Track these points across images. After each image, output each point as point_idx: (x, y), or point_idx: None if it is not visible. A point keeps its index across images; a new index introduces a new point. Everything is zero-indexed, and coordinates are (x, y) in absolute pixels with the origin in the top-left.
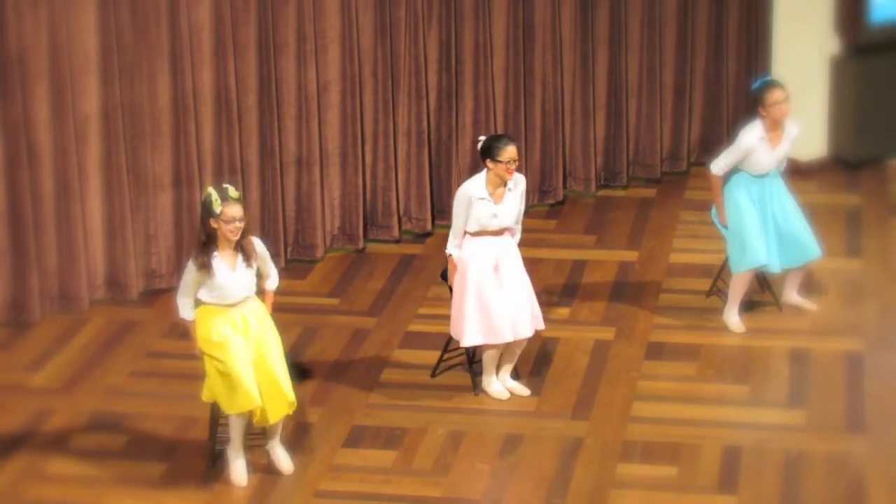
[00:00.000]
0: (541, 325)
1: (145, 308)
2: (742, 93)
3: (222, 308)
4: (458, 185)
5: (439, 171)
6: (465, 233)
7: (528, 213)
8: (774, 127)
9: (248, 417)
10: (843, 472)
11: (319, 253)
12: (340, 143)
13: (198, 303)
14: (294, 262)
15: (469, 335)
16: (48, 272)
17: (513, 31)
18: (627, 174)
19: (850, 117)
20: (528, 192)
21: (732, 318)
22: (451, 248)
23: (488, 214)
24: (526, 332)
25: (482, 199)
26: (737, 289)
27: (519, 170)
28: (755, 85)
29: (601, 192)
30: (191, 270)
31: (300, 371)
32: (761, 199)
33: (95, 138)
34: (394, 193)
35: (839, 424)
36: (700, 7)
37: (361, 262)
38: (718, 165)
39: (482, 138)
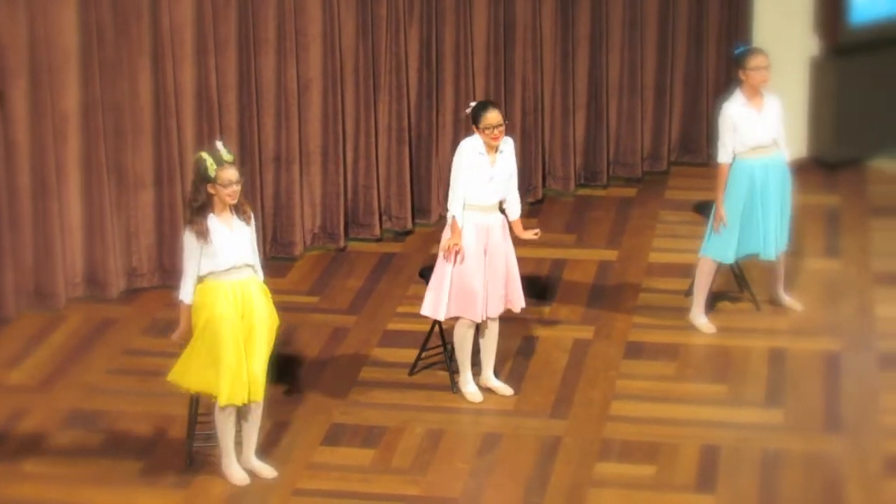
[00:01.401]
0: (522, 304)
1: (124, 306)
2: (722, 93)
3: (220, 282)
4: (439, 183)
5: (419, 169)
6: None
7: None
8: (754, 93)
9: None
10: (820, 470)
11: (298, 251)
12: (321, 141)
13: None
14: (273, 260)
15: (443, 308)
16: (24, 269)
17: (493, 29)
18: (607, 173)
19: (829, 118)
20: None
21: (699, 318)
22: (454, 209)
23: (485, 177)
24: (520, 303)
25: (481, 154)
26: (701, 281)
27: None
28: (738, 49)
29: (581, 192)
30: (190, 240)
31: (288, 361)
32: (763, 189)
33: (75, 135)
34: (375, 192)
35: (817, 424)
36: (680, 7)
37: (341, 261)
38: (722, 153)
39: (472, 104)
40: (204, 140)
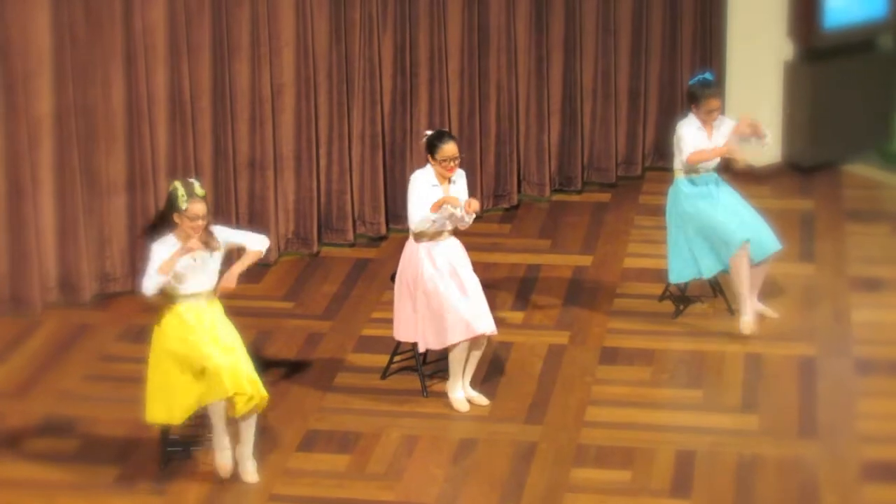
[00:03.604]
0: (494, 329)
1: (99, 311)
2: None
3: (179, 308)
4: None
5: (394, 174)
6: (415, 237)
7: (482, 217)
8: (707, 125)
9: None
10: (795, 476)
11: (272, 256)
12: (294, 146)
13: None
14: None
15: (439, 339)
16: (0, 274)
17: (468, 34)
18: (582, 178)
19: (803, 122)
20: (482, 196)
21: (748, 314)
22: (421, 215)
23: (442, 207)
24: (490, 326)
25: (434, 185)
26: (743, 278)
27: (472, 173)
28: (693, 81)
29: (556, 197)
30: (156, 250)
31: (262, 366)
32: (709, 202)
33: (48, 140)
34: (348, 197)
35: (792, 429)
36: (654, 11)
37: (316, 266)
38: (682, 158)
39: (427, 133)
40: (177, 145)
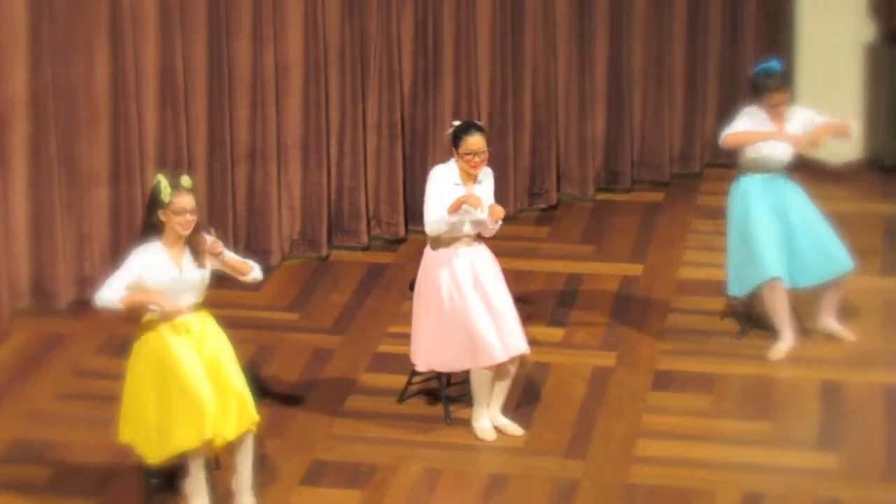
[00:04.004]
0: (525, 349)
1: (75, 320)
2: None
3: (159, 327)
4: None
5: (413, 168)
6: (431, 243)
7: (517, 218)
8: (775, 119)
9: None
10: None
11: (275, 260)
12: (301, 135)
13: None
14: None
15: (458, 362)
16: None
17: (500, 9)
18: (631, 175)
19: (887, 114)
20: (516, 195)
21: (785, 341)
22: (438, 215)
23: (460, 211)
24: (521, 347)
25: (456, 184)
26: (776, 309)
27: (504, 168)
28: (757, 69)
29: (600, 196)
30: (133, 261)
31: (257, 389)
32: (776, 208)
33: (21, 124)
34: (362, 194)
35: (876, 469)
36: None
37: (324, 272)
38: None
39: (454, 124)
40: (168, 132)
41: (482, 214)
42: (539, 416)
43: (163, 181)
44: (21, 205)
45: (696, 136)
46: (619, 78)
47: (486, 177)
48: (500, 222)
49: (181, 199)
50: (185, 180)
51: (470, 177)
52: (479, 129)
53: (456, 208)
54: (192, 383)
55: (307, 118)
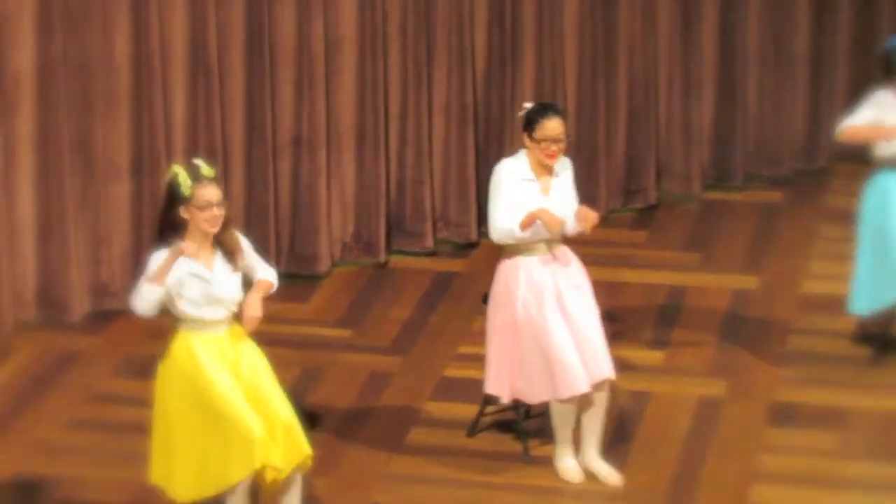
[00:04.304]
0: (610, 374)
1: (90, 335)
2: None
3: (197, 332)
4: None
5: (488, 159)
6: (506, 251)
7: (609, 220)
8: None
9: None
10: None
11: (324, 267)
12: (355, 120)
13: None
14: (290, 279)
15: (534, 391)
16: None
17: None
18: (744, 171)
19: None
20: (608, 192)
21: None
22: (508, 224)
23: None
24: (605, 371)
25: (527, 180)
26: None
27: (594, 160)
28: (891, 45)
29: (708, 195)
30: (154, 259)
31: (303, 419)
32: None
33: (27, 106)
34: (427, 189)
35: None
36: None
37: (382, 282)
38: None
39: (527, 106)
40: (199, 115)
41: (571, 225)
42: (635, 455)
43: (180, 172)
44: (27, 200)
45: (821, 125)
46: (731, 57)
47: (564, 169)
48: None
49: (205, 191)
50: (206, 168)
51: (544, 169)
52: (558, 111)
53: (528, 225)
54: (233, 407)
55: (362, 100)
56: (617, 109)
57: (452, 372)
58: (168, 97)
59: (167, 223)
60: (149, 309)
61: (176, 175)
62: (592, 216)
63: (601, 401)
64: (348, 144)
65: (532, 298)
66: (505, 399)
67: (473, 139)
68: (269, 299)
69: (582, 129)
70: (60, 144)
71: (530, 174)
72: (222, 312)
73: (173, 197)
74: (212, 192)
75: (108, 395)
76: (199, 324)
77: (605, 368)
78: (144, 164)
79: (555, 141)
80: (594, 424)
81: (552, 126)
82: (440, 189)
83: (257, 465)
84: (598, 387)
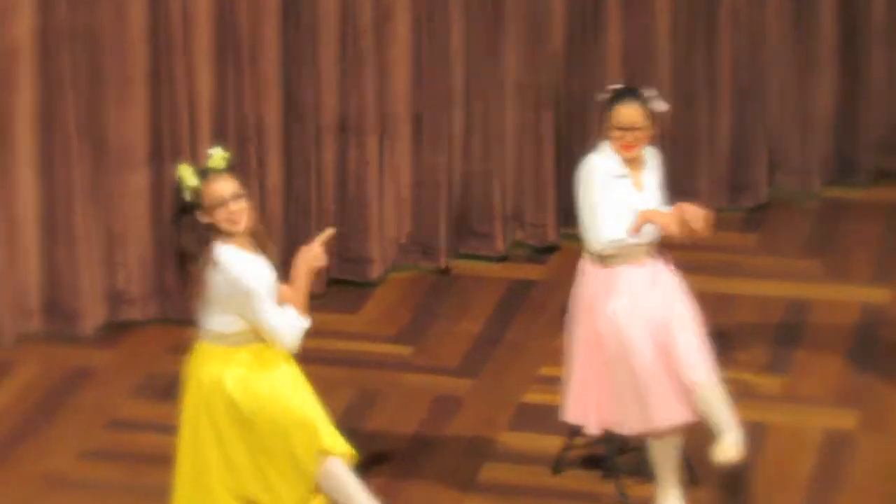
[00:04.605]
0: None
1: (105, 350)
2: None
3: (228, 348)
4: None
5: (570, 149)
6: (594, 259)
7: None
8: None
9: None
10: None
11: (377, 271)
12: (412, 101)
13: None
14: (339, 286)
15: (626, 420)
16: None
17: None
18: (872, 165)
19: None
20: (712, 186)
21: None
22: (612, 234)
23: (628, 208)
24: (699, 376)
25: (620, 175)
26: None
27: (694, 149)
28: None
29: (829, 192)
30: (255, 275)
31: (362, 451)
32: None
33: (27, 83)
34: (498, 182)
35: None
36: None
37: (445, 291)
38: None
39: (611, 88)
40: (228, 94)
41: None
42: (753, 496)
43: (184, 173)
44: (28, 193)
45: None
46: (854, 32)
47: (651, 157)
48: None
49: (216, 186)
50: (215, 158)
51: (635, 161)
52: (635, 96)
53: (639, 228)
54: (289, 400)
55: (419, 78)
56: (719, 91)
57: (532, 397)
58: (192, 73)
59: (188, 235)
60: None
61: (181, 178)
62: (703, 216)
63: (717, 395)
64: (403, 130)
65: (625, 313)
66: (591, 430)
67: (552, 125)
68: (312, 307)
69: (678, 115)
70: (66, 128)
71: (622, 168)
72: None
73: (184, 203)
74: (222, 186)
75: (126, 419)
76: (244, 336)
77: (699, 372)
78: (164, 150)
79: (629, 129)
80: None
81: (626, 113)
82: (513, 182)
83: (340, 448)
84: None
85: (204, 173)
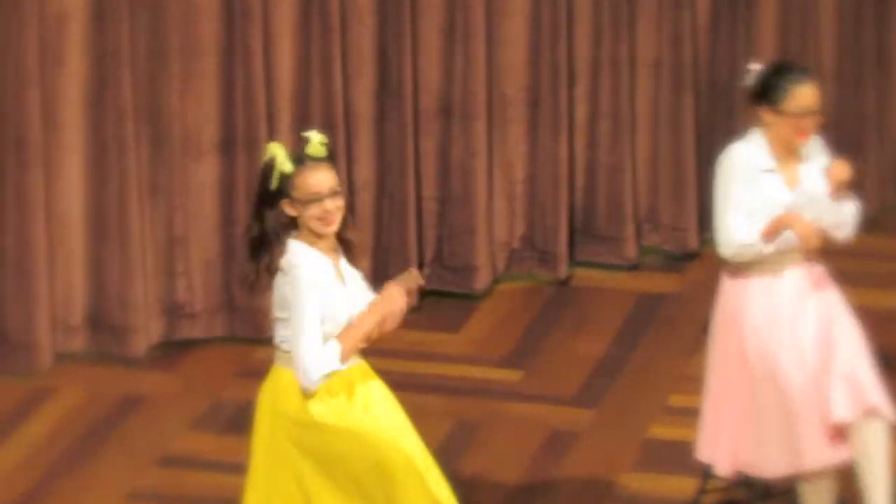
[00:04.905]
0: (892, 415)
1: (161, 373)
2: None
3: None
4: None
5: (713, 139)
6: (732, 268)
7: (879, 224)
8: None
9: None
10: None
11: (482, 282)
12: (527, 82)
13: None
14: (438, 299)
15: (770, 460)
16: None
17: None
18: None
19: None
20: (882, 185)
21: None
22: (749, 230)
23: (779, 209)
24: (878, 403)
25: (768, 170)
26: None
27: (858, 140)
28: None
29: None
30: (308, 285)
31: (462, 491)
32: None
33: (77, 56)
34: (628, 177)
35: None
36: None
37: (564, 305)
38: None
39: (753, 68)
40: (312, 72)
41: (829, 212)
42: None
43: (278, 154)
44: (75, 186)
45: None
46: None
47: (817, 153)
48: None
49: (312, 178)
50: (314, 144)
51: (790, 153)
52: (808, 73)
53: (774, 235)
54: (381, 434)
55: (535, 55)
56: (890, 72)
57: (661, 431)
58: (270, 48)
59: (264, 223)
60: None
61: (273, 157)
62: (845, 169)
63: (879, 447)
64: (517, 114)
65: (769, 331)
66: (724, 471)
67: (693, 110)
68: (405, 325)
69: (842, 98)
70: (121, 111)
71: (771, 161)
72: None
73: (270, 188)
74: (321, 179)
75: (183, 455)
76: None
77: (877, 400)
78: (237, 137)
79: (810, 113)
80: (879, 480)
81: (805, 94)
82: (646, 177)
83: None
84: (869, 425)
85: (299, 160)
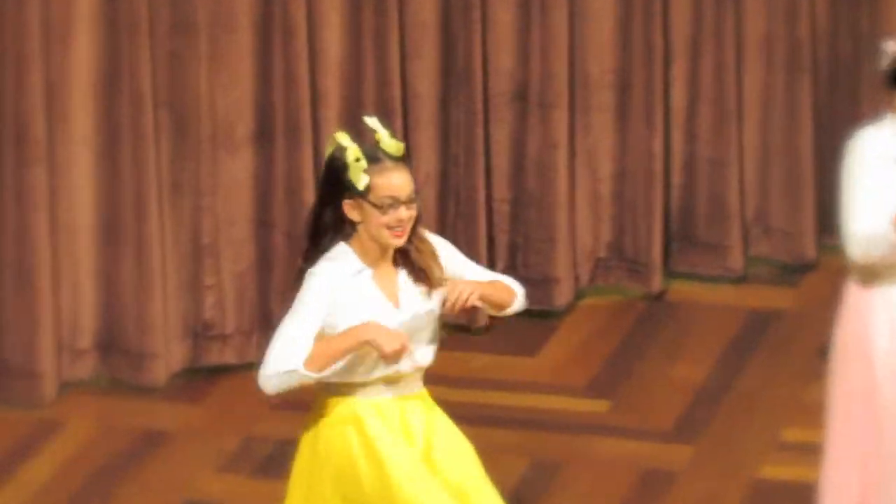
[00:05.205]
0: None
1: (184, 405)
2: None
3: (361, 398)
4: None
5: (833, 131)
6: (860, 277)
7: None
8: None
9: None
10: None
11: (564, 296)
12: (615, 63)
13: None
14: (510, 316)
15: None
16: None
17: None
18: None
19: None
20: None
21: None
22: (880, 221)
23: None
24: None
25: None
26: None
27: None
28: None
29: None
30: (313, 289)
31: None
32: None
33: (88, 32)
34: (734, 173)
35: None
36: None
37: (659, 323)
38: None
39: (889, 48)
40: (364, 53)
41: None
42: None
43: (349, 146)
44: (85, 184)
45: None
46: None
47: None
48: None
49: (388, 180)
50: (390, 142)
51: None
52: None
53: None
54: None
55: (626, 31)
56: None
57: (773, 470)
58: (316, 24)
59: (323, 223)
60: (282, 390)
61: (343, 150)
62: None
63: None
64: (603, 101)
65: None
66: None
67: (811, 95)
68: (469, 348)
69: None
70: (138, 95)
71: None
72: (408, 366)
73: (335, 182)
74: (399, 182)
75: (209, 500)
76: (369, 386)
77: None
78: (276, 126)
79: None
80: None
81: None
82: (755, 175)
83: None
84: None
85: (373, 157)
